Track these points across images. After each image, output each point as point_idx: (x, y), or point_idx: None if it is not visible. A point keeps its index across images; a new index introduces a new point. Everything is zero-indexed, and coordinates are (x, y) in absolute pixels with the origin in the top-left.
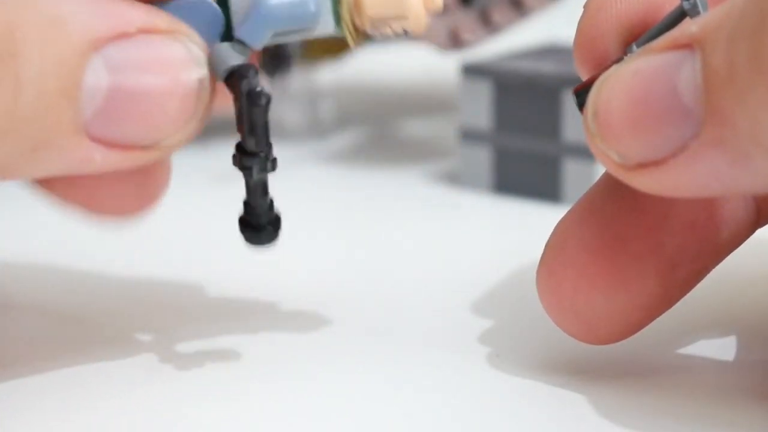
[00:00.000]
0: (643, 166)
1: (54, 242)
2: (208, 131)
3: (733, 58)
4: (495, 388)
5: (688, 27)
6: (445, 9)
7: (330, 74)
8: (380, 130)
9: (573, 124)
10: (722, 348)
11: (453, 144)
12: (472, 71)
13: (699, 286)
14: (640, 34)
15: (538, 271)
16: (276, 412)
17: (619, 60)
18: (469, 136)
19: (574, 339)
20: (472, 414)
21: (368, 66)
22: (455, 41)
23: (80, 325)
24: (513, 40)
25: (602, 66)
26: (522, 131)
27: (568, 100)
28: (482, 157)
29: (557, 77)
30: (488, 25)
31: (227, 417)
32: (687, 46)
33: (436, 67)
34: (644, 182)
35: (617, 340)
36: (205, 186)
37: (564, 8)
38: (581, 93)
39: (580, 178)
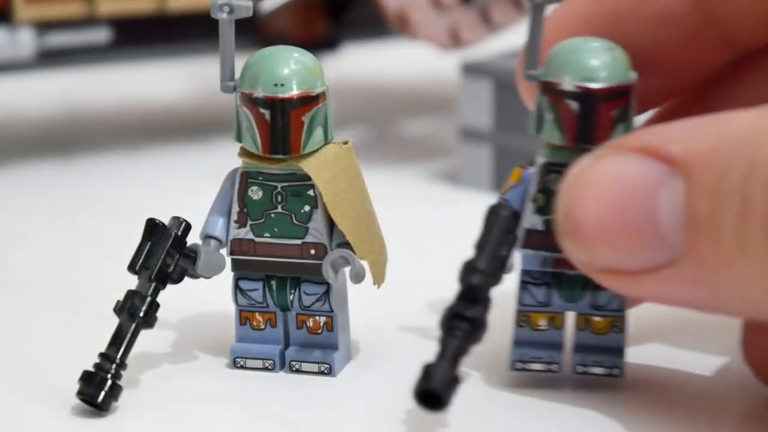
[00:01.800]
0: (610, 272)
1: (55, 237)
2: (207, 131)
3: (719, 217)
4: (494, 386)
5: (667, 138)
6: (446, 8)
7: (330, 73)
8: (380, 129)
9: None
10: (712, 355)
11: (453, 143)
12: (472, 70)
13: None
14: None
15: None
16: (268, 412)
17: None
18: (469, 135)
19: None
20: (470, 414)
21: (368, 65)
22: (455, 40)
23: (79, 318)
24: (513, 39)
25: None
26: (522, 131)
27: None
28: (482, 157)
29: None
30: (488, 23)
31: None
32: (668, 162)
33: (436, 67)
34: (610, 284)
35: None
36: (205, 184)
37: None
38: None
39: None
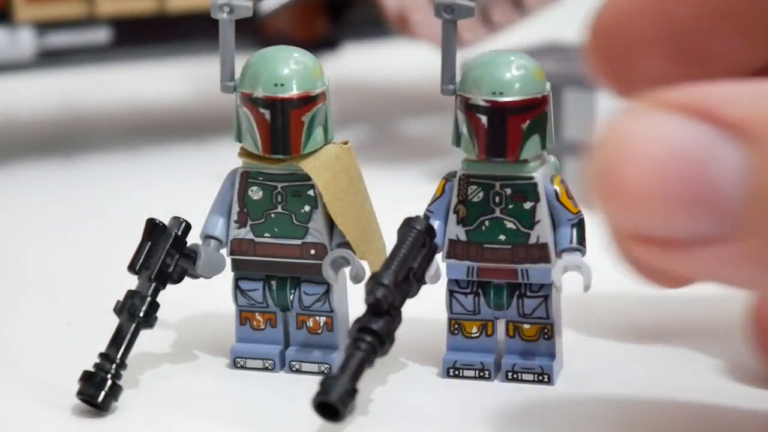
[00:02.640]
0: (649, 242)
1: (55, 237)
2: (207, 131)
3: None
4: (492, 386)
5: (722, 99)
6: None
7: (330, 73)
8: (380, 129)
9: (573, 124)
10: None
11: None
12: None
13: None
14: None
15: None
16: (268, 412)
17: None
18: None
19: None
20: (467, 411)
21: (368, 65)
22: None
23: (79, 318)
24: (513, 40)
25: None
26: None
27: (568, 99)
28: None
29: (557, 76)
30: (488, 24)
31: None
32: (724, 126)
33: (436, 67)
34: (648, 255)
35: None
36: (205, 184)
37: (564, 8)
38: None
39: (580, 176)
